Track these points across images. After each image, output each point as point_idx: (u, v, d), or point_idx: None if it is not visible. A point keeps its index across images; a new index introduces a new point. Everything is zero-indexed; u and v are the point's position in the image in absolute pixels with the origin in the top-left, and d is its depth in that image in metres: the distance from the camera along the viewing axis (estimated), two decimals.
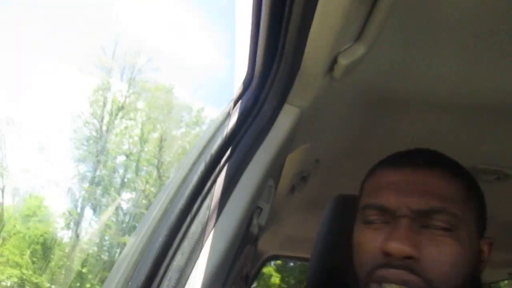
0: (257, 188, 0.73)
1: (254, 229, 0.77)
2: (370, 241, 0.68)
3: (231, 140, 0.71)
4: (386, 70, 0.79)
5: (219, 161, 0.70)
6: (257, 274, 2.49)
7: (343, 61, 0.68)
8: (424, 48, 0.73)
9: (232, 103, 0.74)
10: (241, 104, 0.75)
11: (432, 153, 0.76)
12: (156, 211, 0.66)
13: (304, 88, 0.75)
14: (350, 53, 0.68)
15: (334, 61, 0.69)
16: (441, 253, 0.64)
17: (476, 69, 0.78)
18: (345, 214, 0.99)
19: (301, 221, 1.83)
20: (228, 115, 0.73)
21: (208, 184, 0.68)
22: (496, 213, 1.45)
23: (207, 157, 0.69)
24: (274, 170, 0.81)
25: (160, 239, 0.62)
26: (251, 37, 0.69)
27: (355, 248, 0.72)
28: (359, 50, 0.68)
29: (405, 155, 0.76)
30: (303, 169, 1.25)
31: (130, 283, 0.60)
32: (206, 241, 0.66)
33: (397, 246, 0.63)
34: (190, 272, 0.63)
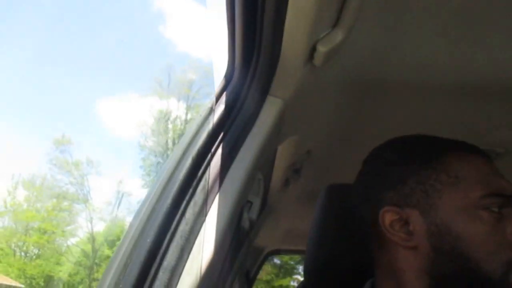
0: (246, 182, 0.73)
1: (245, 223, 0.76)
2: (500, 230, 0.67)
3: (216, 135, 0.71)
4: (368, 55, 0.78)
5: (205, 157, 0.69)
6: (259, 270, 2.49)
7: (322, 49, 0.67)
8: (404, 30, 0.73)
9: (214, 98, 0.74)
10: (223, 98, 0.74)
11: None
12: (143, 211, 0.65)
13: (286, 79, 0.75)
14: (328, 39, 0.67)
15: (313, 49, 0.68)
16: None
17: (458, 49, 0.77)
18: (338, 204, 0.98)
19: (299, 214, 1.83)
20: (211, 110, 0.73)
21: (195, 180, 0.68)
22: None
23: (192, 154, 0.68)
24: (262, 163, 0.81)
25: (149, 240, 0.62)
26: (228, 30, 0.68)
27: (477, 237, 0.68)
28: (338, 36, 0.67)
29: (472, 145, 0.77)
30: (295, 161, 1.25)
31: (121, 286, 0.60)
32: (196, 238, 0.65)
33: None
34: (182, 270, 0.63)
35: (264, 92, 0.76)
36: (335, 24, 0.67)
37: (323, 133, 1.12)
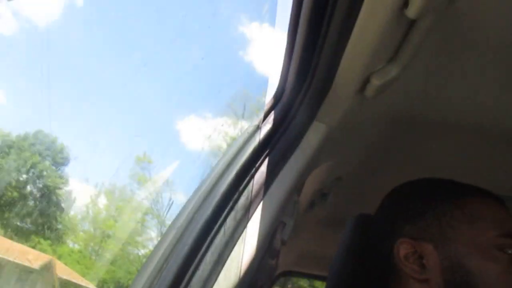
0: (283, 203, 0.73)
1: (277, 244, 0.77)
2: (510, 273, 0.68)
3: (260, 152, 0.72)
4: (417, 93, 0.79)
5: (247, 173, 0.70)
6: None
7: (375, 81, 0.68)
8: (456, 73, 0.73)
9: (262, 116, 0.75)
10: (271, 117, 0.75)
11: None
12: (182, 220, 0.66)
13: (334, 106, 0.75)
14: (383, 73, 0.68)
15: (366, 81, 0.69)
16: None
17: (507, 97, 0.77)
18: (365, 234, 0.98)
19: (317, 238, 1.81)
20: (258, 128, 0.74)
21: (235, 196, 0.69)
22: None
23: (235, 169, 0.69)
24: (300, 186, 0.81)
25: (186, 248, 0.62)
26: (286, 51, 0.69)
27: (490, 276, 0.69)
28: (393, 71, 0.68)
29: (487, 191, 0.79)
30: (324, 186, 1.24)
31: (162, 277, 0.61)
32: (230, 253, 0.66)
33: None
34: (214, 283, 0.63)
35: (311, 116, 0.77)
36: (392, 59, 0.68)
37: (356, 162, 1.12)
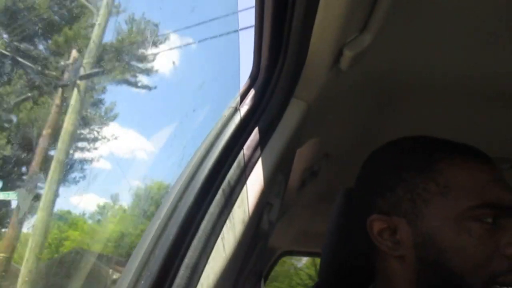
0: (267, 184, 0.73)
1: (265, 225, 0.76)
2: (491, 242, 0.64)
3: (239, 135, 0.71)
4: (393, 60, 0.78)
5: (228, 157, 0.70)
6: (271, 270, 2.48)
7: (349, 53, 0.67)
8: (430, 35, 0.72)
9: (238, 98, 0.74)
10: (248, 98, 0.74)
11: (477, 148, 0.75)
12: (166, 209, 0.66)
13: (311, 82, 0.75)
14: (356, 44, 0.67)
15: (339, 53, 0.68)
16: None
17: (484, 56, 0.77)
18: (355, 208, 0.98)
19: (313, 216, 1.83)
20: (236, 110, 0.73)
21: (218, 179, 0.68)
22: None
23: (215, 153, 0.69)
24: (284, 165, 0.81)
25: (171, 237, 0.62)
26: (256, 31, 0.68)
27: (462, 249, 0.64)
28: (365, 40, 0.67)
29: (471, 149, 0.73)
30: (313, 163, 1.24)
31: (142, 282, 0.60)
32: (217, 237, 0.66)
33: None
34: (203, 269, 0.63)
35: (288, 94, 0.76)
36: (363, 28, 0.67)
37: (342, 136, 1.12)
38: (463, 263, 0.63)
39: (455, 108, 0.97)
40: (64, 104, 8.63)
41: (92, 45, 8.74)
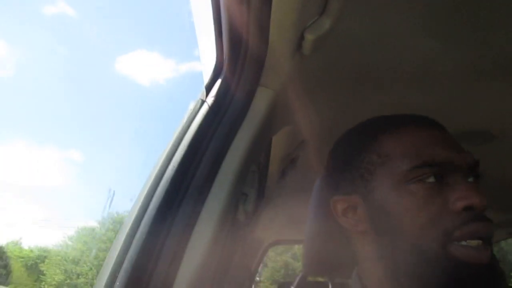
0: (240, 174, 0.72)
1: (241, 216, 0.76)
2: (439, 200, 0.63)
3: (207, 128, 0.70)
4: (356, 43, 0.77)
5: (197, 151, 0.69)
6: (260, 262, 2.49)
7: (310, 37, 0.67)
8: (391, 17, 0.72)
9: (204, 91, 0.73)
10: (214, 90, 0.74)
11: (425, 116, 0.75)
12: (137, 208, 0.64)
13: (276, 69, 0.74)
14: (316, 27, 0.66)
15: (301, 38, 0.68)
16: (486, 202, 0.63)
17: (446, 35, 0.77)
18: (327, 193, 0.98)
19: (297, 204, 1.83)
20: (202, 102, 0.72)
21: (188, 174, 0.67)
22: (490, 175, 1.45)
23: (184, 148, 0.68)
24: (256, 155, 0.80)
25: (144, 237, 0.61)
26: (214, 22, 0.67)
27: (406, 213, 0.64)
28: (325, 24, 0.66)
29: (413, 116, 0.74)
30: (290, 151, 1.24)
31: (118, 283, 0.59)
32: (192, 233, 0.65)
33: (481, 199, 0.61)
34: (179, 264, 0.63)
35: (254, 83, 0.75)
36: (323, 11, 0.66)
37: (316, 122, 1.11)
38: (411, 226, 0.63)
39: (427, 86, 0.98)
40: None
41: None
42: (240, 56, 0.72)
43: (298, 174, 1.43)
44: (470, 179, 0.66)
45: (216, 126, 0.71)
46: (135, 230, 0.62)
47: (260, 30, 0.66)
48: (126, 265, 0.60)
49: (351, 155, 0.73)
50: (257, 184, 0.81)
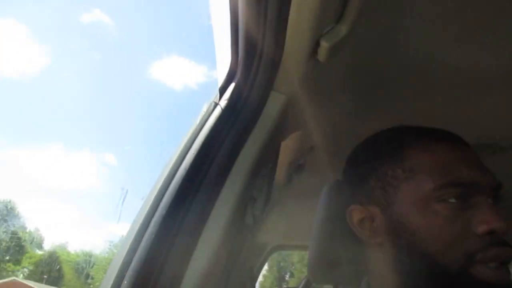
0: (249, 178, 0.73)
1: (249, 219, 0.76)
2: (459, 222, 0.63)
3: (219, 130, 0.71)
4: (371, 50, 0.78)
5: (209, 153, 0.69)
6: (262, 265, 2.48)
7: (326, 44, 0.67)
8: (407, 25, 0.72)
9: (218, 94, 0.74)
10: (227, 93, 0.74)
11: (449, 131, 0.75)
12: (148, 207, 0.65)
13: (289, 74, 0.74)
14: (332, 35, 0.67)
15: (317, 44, 0.68)
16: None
17: (461, 42, 0.77)
18: (341, 200, 0.98)
19: (303, 210, 1.82)
20: (215, 105, 0.73)
21: (199, 176, 0.68)
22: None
23: (195, 150, 0.68)
24: (266, 159, 0.80)
25: (152, 237, 0.61)
26: (231, 25, 0.68)
27: (428, 231, 0.65)
28: (341, 31, 0.66)
29: (440, 131, 0.74)
30: (298, 157, 1.24)
31: (125, 282, 0.59)
32: (200, 234, 0.65)
33: (502, 224, 0.62)
34: (187, 266, 0.63)
35: (268, 88, 0.75)
36: (339, 19, 0.66)
37: (326, 129, 1.11)
38: (433, 245, 0.64)
39: (438, 96, 0.97)
40: None
41: None
42: (255, 60, 0.72)
43: (305, 179, 1.43)
44: (490, 201, 0.66)
45: (228, 129, 0.71)
46: (144, 229, 0.63)
47: (276, 35, 0.66)
48: (134, 264, 0.60)
49: (372, 165, 0.73)
50: (266, 188, 0.81)
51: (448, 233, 0.63)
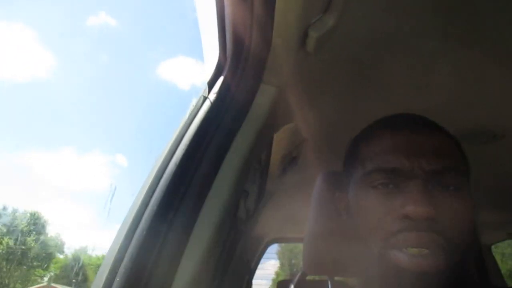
0: (241, 171, 0.72)
1: (242, 213, 0.76)
2: (385, 206, 0.65)
3: (209, 125, 0.70)
4: (360, 40, 0.77)
5: (199, 147, 0.68)
6: (259, 259, 2.49)
7: (314, 34, 0.66)
8: (396, 14, 0.72)
9: (206, 87, 0.73)
10: (216, 87, 0.73)
11: (419, 116, 0.75)
12: (138, 205, 0.64)
13: (279, 66, 0.74)
14: (320, 25, 0.66)
15: (305, 35, 0.67)
16: (457, 213, 0.64)
17: (452, 32, 0.77)
18: (334, 191, 0.98)
19: (298, 202, 1.82)
20: (204, 99, 0.72)
21: (190, 170, 0.67)
22: (490, 175, 1.45)
23: (185, 145, 0.67)
24: (258, 152, 0.80)
25: (144, 233, 0.61)
26: (218, 19, 0.67)
27: (361, 215, 0.68)
28: (329, 21, 0.66)
29: (398, 117, 0.75)
30: (291, 149, 1.24)
31: (118, 279, 0.59)
32: (193, 229, 0.65)
33: (418, 209, 0.62)
34: (180, 261, 0.62)
35: (257, 80, 0.75)
36: (326, 9, 0.66)
37: (319, 121, 1.11)
38: (363, 228, 0.67)
39: (429, 86, 0.97)
40: None
41: None
42: (243, 53, 0.71)
43: (299, 172, 1.43)
44: (421, 187, 0.65)
45: (218, 123, 0.71)
46: (136, 225, 0.62)
47: (263, 27, 0.65)
48: (126, 261, 0.60)
49: (347, 158, 0.78)
50: (258, 182, 0.81)
51: (372, 217, 0.66)
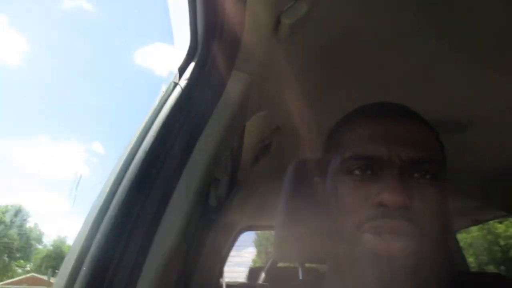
0: (212, 159, 0.71)
1: (213, 201, 0.75)
2: (361, 193, 0.65)
3: (179, 111, 0.69)
4: (333, 27, 0.77)
5: (169, 134, 0.67)
6: (231, 247, 2.49)
7: (286, 21, 0.66)
8: (366, 4, 0.72)
9: (177, 73, 0.71)
10: (187, 73, 0.72)
11: (400, 105, 0.75)
12: (106, 193, 0.63)
13: (251, 52, 0.73)
14: (293, 11, 0.65)
15: (277, 22, 0.67)
16: (432, 202, 0.65)
17: (422, 24, 0.77)
18: (306, 179, 0.98)
19: (270, 190, 1.83)
20: (175, 85, 0.70)
21: (160, 158, 0.66)
22: (459, 162, 1.49)
23: (155, 131, 0.66)
24: (230, 140, 0.79)
25: (112, 221, 0.59)
26: (189, 3, 0.65)
27: (337, 200, 0.68)
28: (302, 8, 0.65)
29: (379, 106, 0.75)
30: (264, 137, 1.24)
31: (84, 268, 0.58)
32: (162, 217, 0.64)
33: (393, 197, 0.62)
34: (148, 251, 0.61)
35: (229, 67, 0.74)
36: None
37: (291, 108, 1.11)
38: (339, 212, 0.67)
39: (398, 71, 0.98)
40: None
41: None
42: (215, 39, 0.70)
43: (271, 160, 1.43)
44: (398, 175, 0.65)
45: (189, 109, 0.69)
46: (103, 213, 0.61)
47: (235, 12, 0.64)
48: (93, 249, 0.58)
49: (326, 141, 0.77)
50: (230, 169, 0.80)
51: (348, 203, 0.66)
